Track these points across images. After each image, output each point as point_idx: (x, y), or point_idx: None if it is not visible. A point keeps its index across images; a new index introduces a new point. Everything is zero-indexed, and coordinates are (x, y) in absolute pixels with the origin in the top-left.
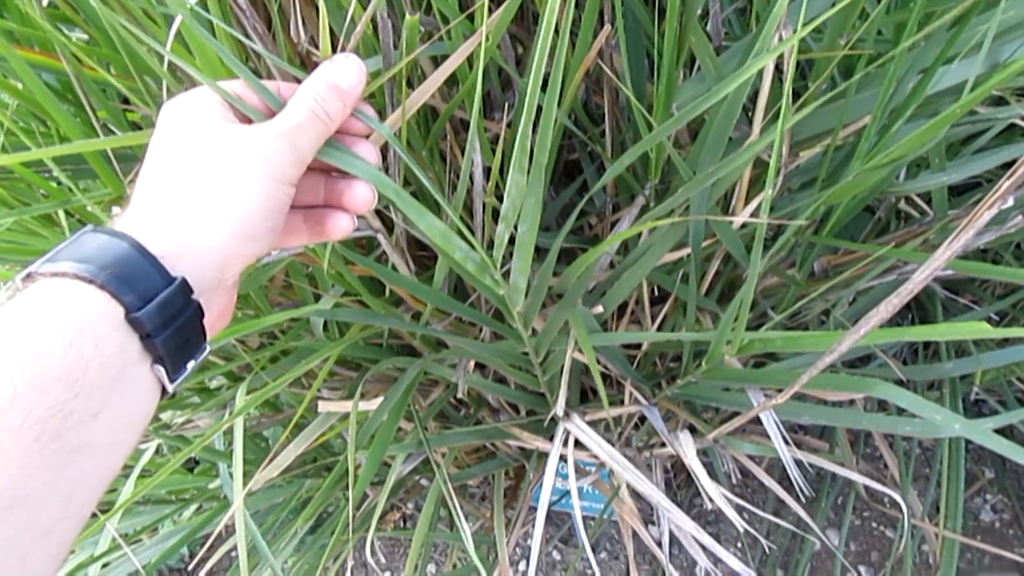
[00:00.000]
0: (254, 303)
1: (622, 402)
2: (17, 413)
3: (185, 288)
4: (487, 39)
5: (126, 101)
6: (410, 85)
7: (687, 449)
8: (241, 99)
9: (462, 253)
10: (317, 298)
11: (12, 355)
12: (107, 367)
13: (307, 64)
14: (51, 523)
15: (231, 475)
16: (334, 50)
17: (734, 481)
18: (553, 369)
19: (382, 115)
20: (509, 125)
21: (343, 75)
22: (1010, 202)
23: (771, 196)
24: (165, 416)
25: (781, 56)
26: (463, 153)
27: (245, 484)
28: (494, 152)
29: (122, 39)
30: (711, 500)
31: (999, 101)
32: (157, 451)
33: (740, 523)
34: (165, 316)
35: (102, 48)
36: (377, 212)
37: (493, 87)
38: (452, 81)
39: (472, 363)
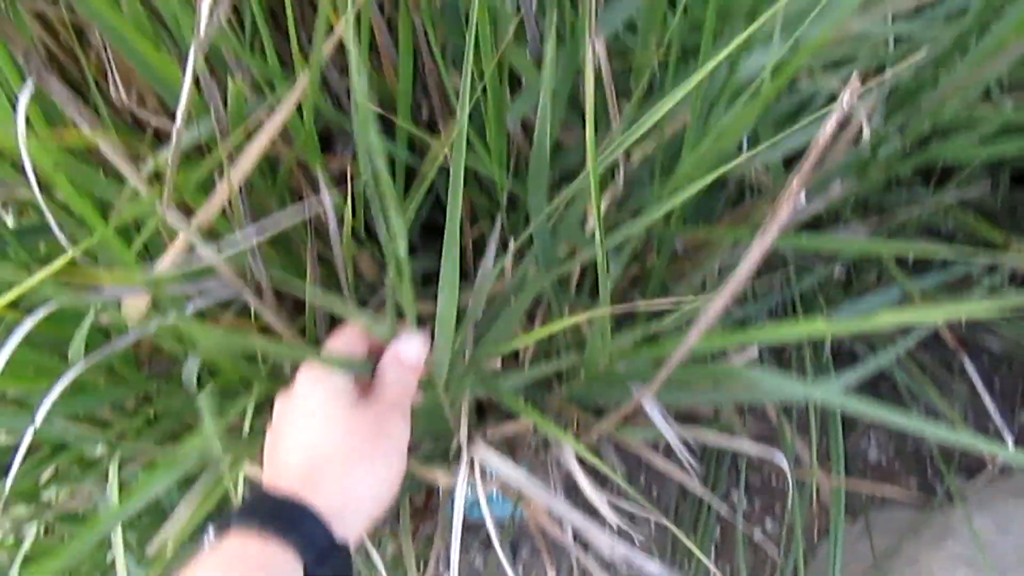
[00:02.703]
0: (120, 374)
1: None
2: None
3: (347, 551)
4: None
5: None
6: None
7: (568, 458)
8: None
9: None
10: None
11: None
12: None
13: (140, 124)
14: None
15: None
16: (164, 111)
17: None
18: (457, 412)
19: (221, 173)
20: (353, 157)
21: (409, 354)
22: (802, 199)
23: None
24: (47, 494)
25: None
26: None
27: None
28: (344, 192)
29: None
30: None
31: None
32: (46, 530)
33: (616, 522)
34: (332, 571)
35: None
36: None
37: (329, 121)
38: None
39: None
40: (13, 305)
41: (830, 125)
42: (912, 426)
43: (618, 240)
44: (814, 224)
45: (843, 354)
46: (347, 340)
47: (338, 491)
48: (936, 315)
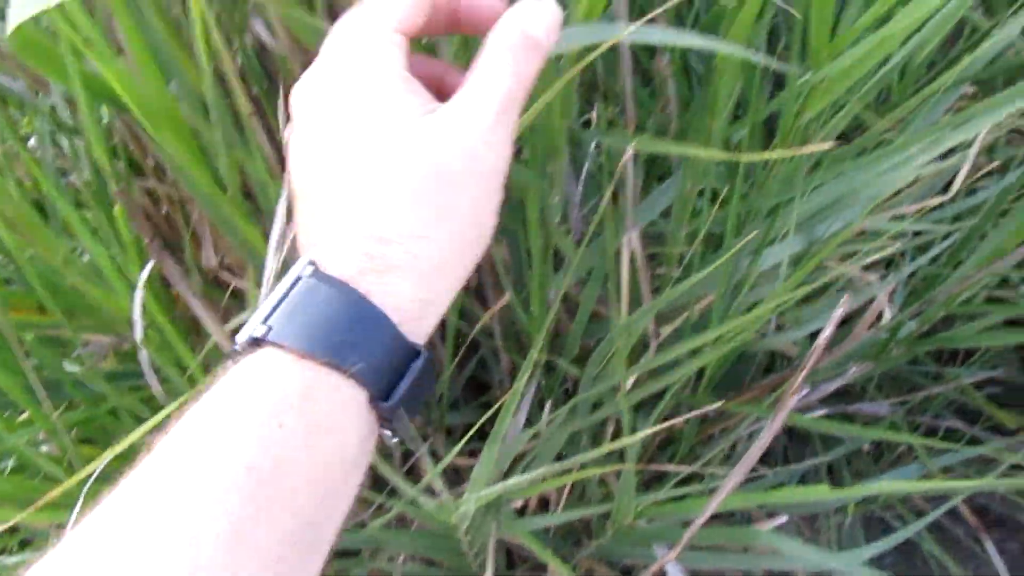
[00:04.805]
0: None
1: (545, 566)
2: (263, 531)
3: (430, 366)
4: None
5: None
6: None
7: None
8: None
9: None
10: None
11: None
12: (352, 466)
13: (220, 284)
14: None
15: None
16: (245, 274)
17: None
18: (483, 555)
19: None
20: None
21: (538, 22)
22: (805, 391)
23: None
24: None
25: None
26: None
27: None
28: None
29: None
30: None
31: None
32: None
33: None
34: (409, 399)
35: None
36: None
37: None
38: None
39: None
40: (89, 441)
41: (835, 319)
42: None
43: (641, 397)
44: (843, 394)
45: (873, 524)
46: None
47: (416, 273)
48: (948, 487)
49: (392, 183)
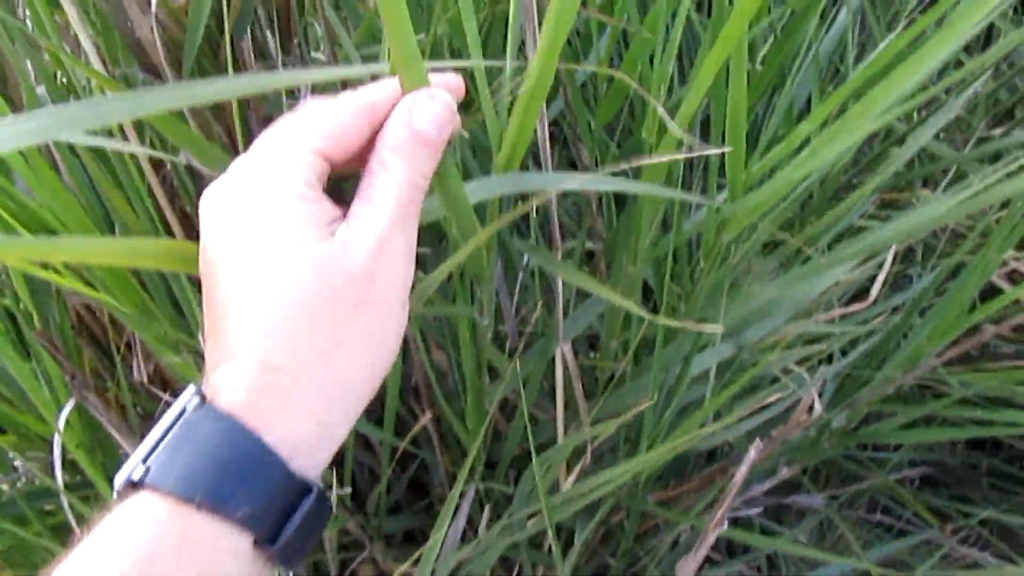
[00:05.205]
0: None
1: None
2: None
3: (323, 501)
4: None
5: None
6: None
7: None
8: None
9: None
10: None
11: None
12: None
13: (152, 397)
14: None
15: None
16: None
17: None
18: None
19: None
20: None
21: (424, 115)
22: (724, 527)
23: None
24: None
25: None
26: None
27: None
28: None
29: None
30: None
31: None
32: None
33: None
34: (300, 537)
35: None
36: None
37: None
38: None
39: None
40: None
41: (756, 448)
42: None
43: (575, 509)
44: (779, 485)
45: None
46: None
47: (308, 404)
48: None
49: (283, 311)
